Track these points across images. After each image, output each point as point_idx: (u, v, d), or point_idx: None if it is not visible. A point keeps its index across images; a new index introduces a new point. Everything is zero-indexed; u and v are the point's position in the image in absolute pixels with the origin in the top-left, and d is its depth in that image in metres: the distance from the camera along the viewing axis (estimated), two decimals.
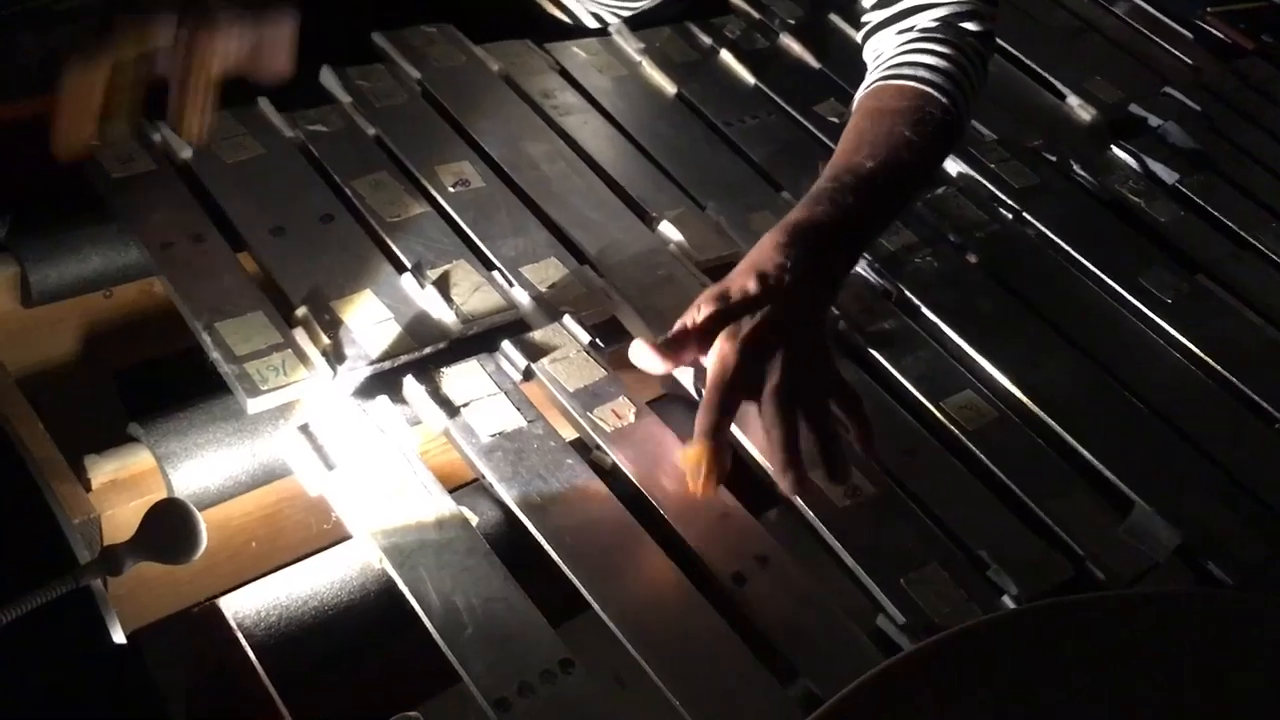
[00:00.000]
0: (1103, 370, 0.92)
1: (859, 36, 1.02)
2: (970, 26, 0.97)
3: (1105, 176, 1.13)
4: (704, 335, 0.76)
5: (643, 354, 0.76)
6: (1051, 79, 1.28)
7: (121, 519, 0.70)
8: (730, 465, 0.74)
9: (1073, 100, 1.25)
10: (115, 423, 0.89)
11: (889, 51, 0.97)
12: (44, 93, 0.91)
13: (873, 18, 1.00)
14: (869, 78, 0.97)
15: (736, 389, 0.74)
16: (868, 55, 1.00)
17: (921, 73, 0.93)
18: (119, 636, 0.56)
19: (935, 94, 0.92)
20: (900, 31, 0.97)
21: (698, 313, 0.77)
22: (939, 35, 0.95)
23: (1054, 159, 1.14)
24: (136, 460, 0.72)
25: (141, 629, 0.67)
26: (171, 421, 0.72)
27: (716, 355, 0.75)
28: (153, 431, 0.72)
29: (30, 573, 0.59)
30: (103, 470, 0.71)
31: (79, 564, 0.59)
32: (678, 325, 0.78)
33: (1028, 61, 1.29)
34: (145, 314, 0.89)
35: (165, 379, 0.90)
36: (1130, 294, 1.00)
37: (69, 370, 0.88)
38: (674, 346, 0.76)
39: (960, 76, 0.94)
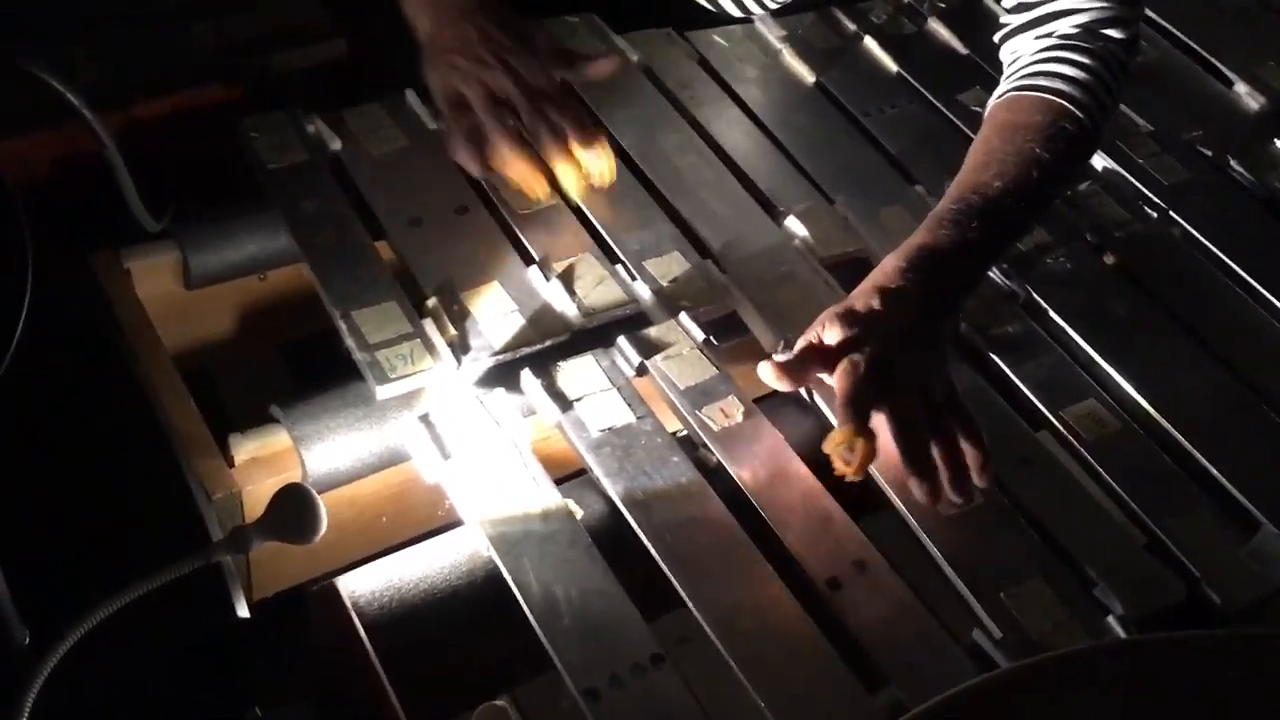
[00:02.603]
0: (1241, 383, 0.89)
1: (996, 38, 0.99)
2: (1113, 33, 0.93)
3: (1265, 173, 1.07)
4: (828, 355, 0.77)
5: (769, 374, 0.77)
6: (1218, 64, 1.21)
7: (261, 494, 0.76)
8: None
9: (1240, 88, 1.19)
10: (278, 391, 0.96)
11: (1027, 56, 0.94)
12: (215, 83, 0.98)
13: (1012, 20, 0.97)
14: (1004, 83, 0.95)
15: (871, 382, 0.75)
16: (1004, 56, 0.98)
17: (1058, 84, 0.90)
18: (243, 611, 0.62)
19: (1071, 108, 0.89)
20: (1039, 36, 0.95)
21: (822, 330, 0.78)
22: (1080, 43, 0.92)
23: (1210, 153, 1.09)
24: (276, 440, 0.78)
25: (267, 600, 0.72)
26: (308, 406, 0.78)
27: (842, 369, 0.76)
28: (290, 414, 0.77)
29: (172, 545, 0.65)
30: (245, 449, 0.77)
31: (211, 541, 0.64)
32: (801, 342, 0.79)
33: (1193, 45, 1.23)
34: (298, 295, 0.95)
35: (322, 352, 0.96)
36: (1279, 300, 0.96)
37: (227, 347, 0.95)
38: (799, 366, 0.77)
39: (1099, 88, 0.91)
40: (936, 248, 0.82)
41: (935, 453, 0.75)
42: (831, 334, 0.78)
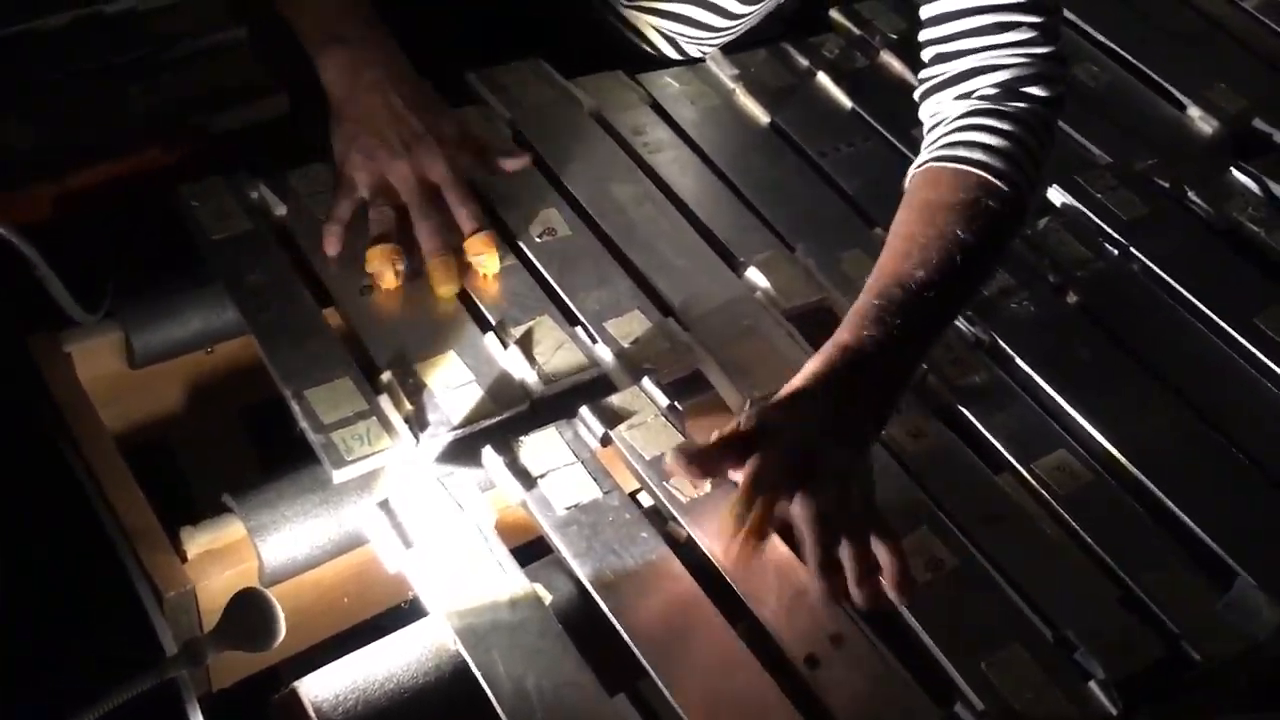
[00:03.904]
0: (1210, 426, 0.89)
1: (917, 95, 0.92)
2: (1036, 91, 0.88)
3: (1223, 202, 1.07)
4: (738, 451, 0.72)
5: (676, 464, 0.72)
6: (1170, 87, 1.21)
7: (215, 589, 0.73)
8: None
9: (1193, 111, 1.19)
10: (239, 458, 0.93)
11: (947, 121, 0.88)
12: (153, 146, 0.95)
13: (931, 75, 0.91)
14: (924, 150, 0.89)
15: (779, 474, 0.71)
16: (924, 115, 0.92)
17: (979, 155, 0.84)
18: None
19: (994, 180, 0.83)
20: (959, 96, 0.89)
21: (736, 426, 0.74)
22: (999, 107, 0.87)
23: (1167, 184, 1.08)
24: (230, 530, 0.75)
25: (226, 698, 0.70)
26: (262, 494, 0.75)
27: (753, 459, 0.72)
28: (244, 504, 0.74)
29: (121, 651, 0.62)
30: (198, 542, 0.74)
31: (164, 655, 0.61)
32: (714, 435, 0.75)
33: (1144, 68, 1.23)
34: (249, 364, 0.91)
35: (281, 414, 0.93)
36: (1244, 338, 0.95)
37: (183, 418, 0.92)
38: (706, 460, 0.73)
39: (1022, 156, 0.85)
40: (861, 349, 0.76)
41: (845, 553, 0.70)
42: (742, 430, 0.73)
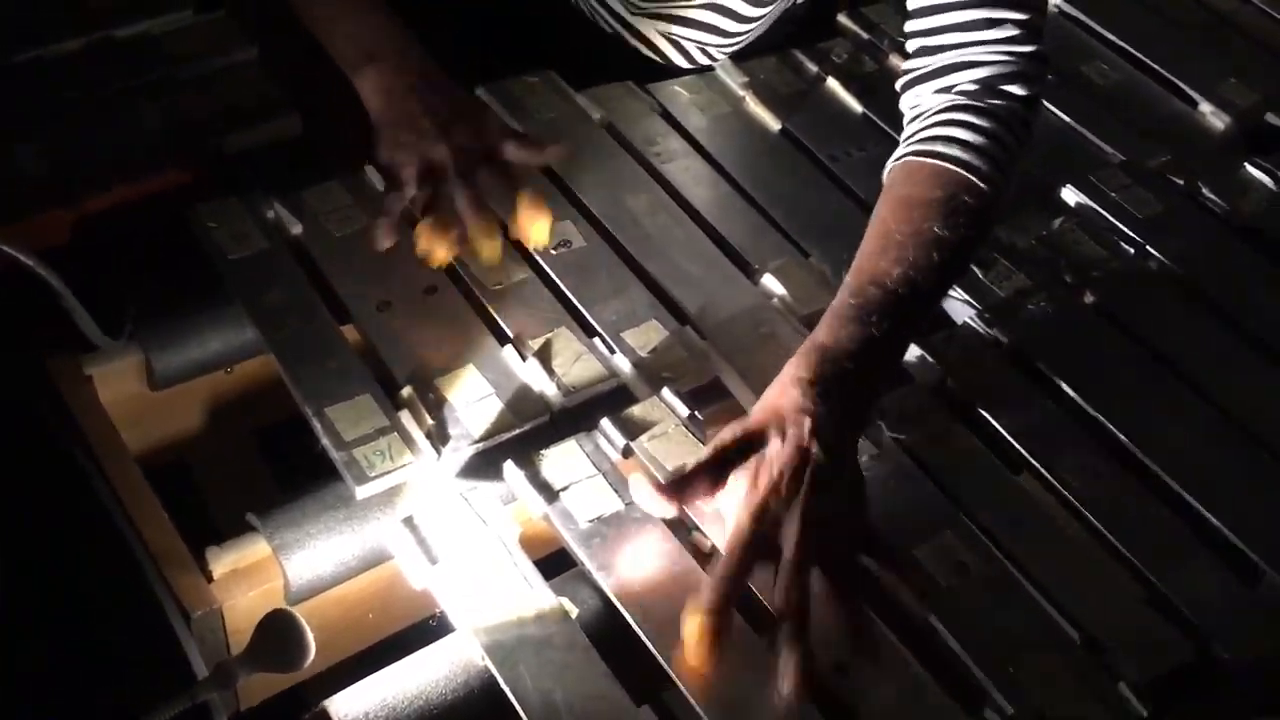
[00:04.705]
0: (1232, 423, 0.88)
1: (898, 85, 0.93)
2: (1015, 90, 0.88)
3: (1238, 199, 1.07)
4: (712, 477, 0.71)
5: (645, 494, 0.71)
6: (1181, 84, 1.21)
7: (242, 608, 0.74)
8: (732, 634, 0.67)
9: (1205, 107, 1.19)
10: (258, 480, 0.93)
11: (927, 110, 0.89)
12: (168, 169, 0.95)
13: (913, 67, 0.92)
14: (903, 143, 0.89)
15: (750, 561, 0.68)
16: (904, 105, 0.93)
17: (956, 151, 0.85)
18: None
19: (971, 177, 0.84)
20: (940, 90, 0.90)
21: (715, 454, 0.72)
22: (978, 103, 0.87)
23: (1181, 181, 1.08)
24: (255, 549, 0.75)
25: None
26: (286, 512, 0.75)
27: (732, 521, 0.70)
28: (269, 522, 0.75)
29: (149, 674, 0.62)
30: (223, 561, 0.74)
31: (195, 678, 0.62)
32: (691, 462, 0.73)
33: (1153, 65, 1.23)
34: (269, 383, 0.92)
35: (299, 436, 0.93)
36: (1264, 334, 0.95)
37: (202, 439, 0.92)
38: (680, 487, 0.71)
39: (999, 153, 0.85)
40: (840, 350, 0.75)
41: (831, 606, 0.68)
42: (714, 456, 0.71)
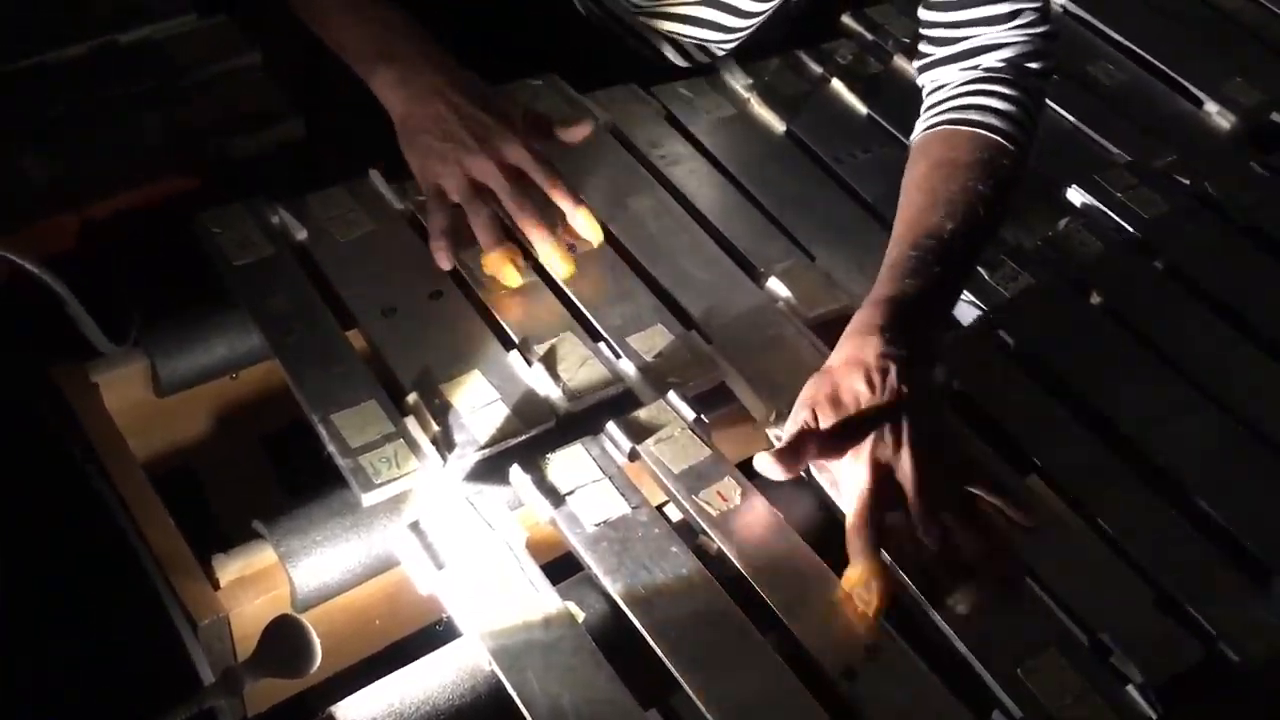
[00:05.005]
0: (1240, 424, 0.88)
1: (915, 65, 1.00)
2: (1035, 66, 0.95)
3: (1243, 198, 1.07)
4: (824, 443, 0.76)
5: (767, 465, 0.75)
6: (1186, 83, 1.21)
7: (248, 615, 0.73)
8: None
9: (1210, 106, 1.18)
10: (264, 485, 0.93)
11: (952, 86, 0.95)
12: (171, 174, 0.95)
13: (934, 52, 0.98)
14: (931, 112, 0.95)
15: (880, 513, 0.74)
16: (924, 83, 0.99)
17: (991, 119, 0.92)
18: None
19: (1005, 143, 0.91)
20: (965, 69, 0.96)
21: (813, 419, 0.76)
22: (1007, 77, 0.94)
23: (1187, 181, 1.08)
24: (261, 556, 0.75)
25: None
26: (292, 519, 0.75)
27: (852, 481, 0.75)
28: (275, 529, 0.74)
29: (156, 681, 0.62)
30: (230, 569, 0.74)
31: (202, 685, 0.61)
32: (795, 429, 0.77)
33: (1159, 64, 1.23)
34: (274, 389, 0.92)
35: (304, 441, 0.93)
36: (1271, 334, 0.94)
37: (208, 444, 0.92)
38: (794, 454, 0.75)
39: (1027, 122, 0.93)
40: (906, 298, 0.81)
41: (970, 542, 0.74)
42: (825, 420, 0.76)
